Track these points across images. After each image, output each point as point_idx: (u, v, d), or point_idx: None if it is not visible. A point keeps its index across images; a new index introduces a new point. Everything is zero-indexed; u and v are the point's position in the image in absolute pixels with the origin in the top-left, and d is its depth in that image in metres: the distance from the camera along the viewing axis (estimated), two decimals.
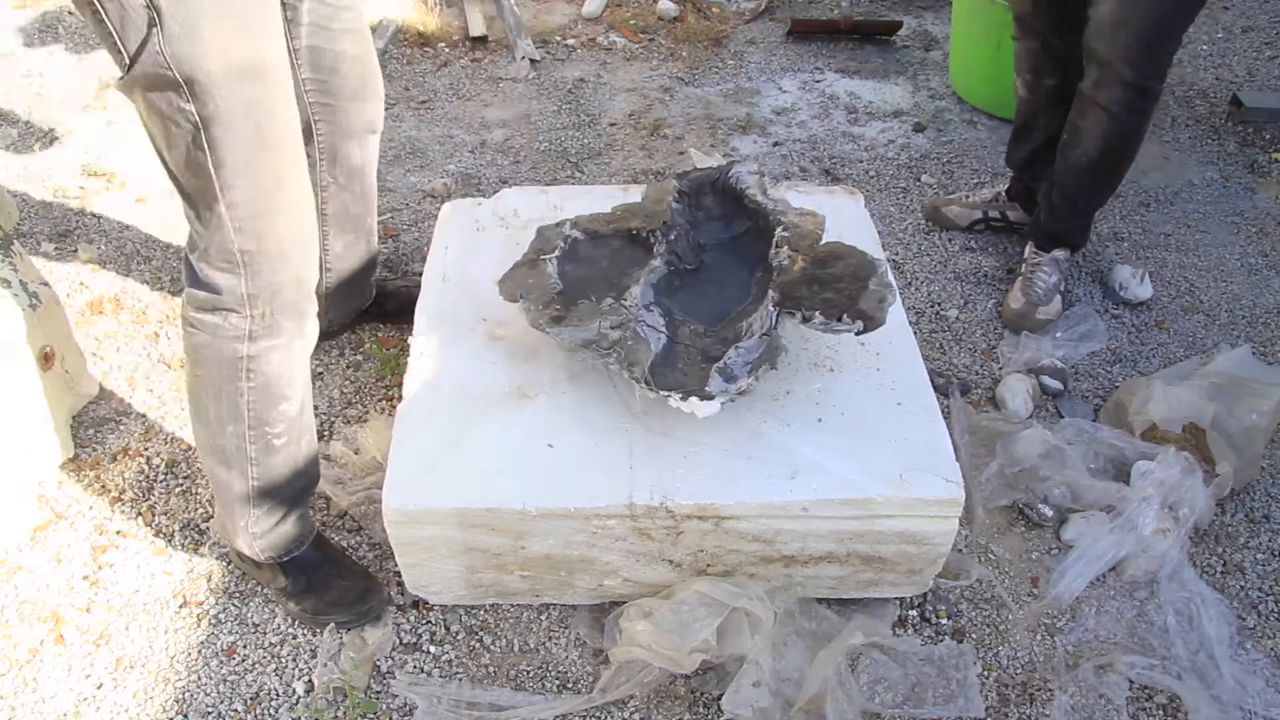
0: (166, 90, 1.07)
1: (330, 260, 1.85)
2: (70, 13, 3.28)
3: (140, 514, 1.74)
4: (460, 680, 1.51)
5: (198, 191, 1.16)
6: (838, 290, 1.48)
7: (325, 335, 2.03)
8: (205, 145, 1.11)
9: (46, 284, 1.79)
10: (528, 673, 1.53)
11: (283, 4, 1.36)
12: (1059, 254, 2.15)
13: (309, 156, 1.65)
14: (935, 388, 1.60)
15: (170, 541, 1.70)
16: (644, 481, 1.41)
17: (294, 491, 1.47)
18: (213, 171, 1.13)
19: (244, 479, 1.41)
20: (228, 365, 1.30)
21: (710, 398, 1.37)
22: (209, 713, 1.48)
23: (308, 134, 1.62)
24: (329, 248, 1.83)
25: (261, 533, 1.48)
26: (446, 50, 3.17)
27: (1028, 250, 2.20)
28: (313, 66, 1.52)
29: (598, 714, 1.47)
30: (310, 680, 1.51)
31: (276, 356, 1.31)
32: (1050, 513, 1.74)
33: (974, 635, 1.60)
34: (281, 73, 1.15)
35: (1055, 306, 2.12)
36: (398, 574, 1.58)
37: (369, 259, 1.94)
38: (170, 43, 1.03)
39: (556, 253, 1.59)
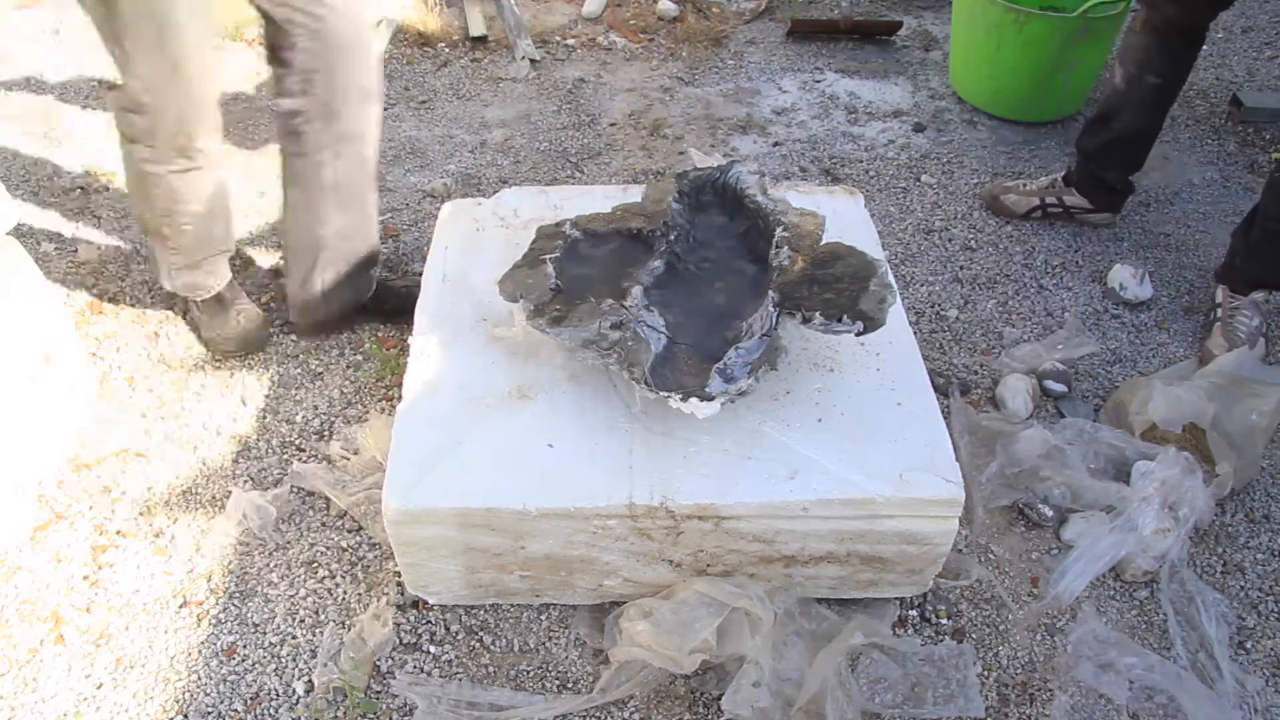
0: None
1: (327, 237, 1.87)
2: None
3: (140, 514, 1.74)
4: (460, 680, 1.51)
5: (113, 56, 1.58)
6: (838, 291, 1.48)
7: (320, 326, 2.04)
8: (113, 34, 1.54)
9: (47, 284, 1.79)
10: (528, 673, 1.53)
11: None
12: (1257, 295, 2.10)
13: (303, 112, 1.72)
14: (935, 388, 1.60)
15: (170, 541, 1.70)
16: (644, 481, 1.41)
17: (204, 255, 1.91)
18: (118, 49, 1.56)
19: (163, 244, 1.87)
20: (140, 177, 1.76)
21: (710, 398, 1.37)
22: (209, 713, 1.48)
23: (306, 84, 1.70)
24: (326, 220, 1.85)
25: (177, 275, 1.93)
26: (446, 50, 3.17)
27: (1220, 294, 2.14)
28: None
29: (598, 714, 1.47)
30: (310, 680, 1.51)
31: (175, 178, 1.74)
32: (1050, 513, 1.74)
33: (974, 635, 1.60)
34: None
35: (1259, 350, 2.05)
36: (398, 574, 1.59)
37: (369, 248, 1.96)
38: None
39: (556, 253, 1.59)
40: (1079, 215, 2.44)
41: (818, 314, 1.42)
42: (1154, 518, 1.66)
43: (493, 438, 1.47)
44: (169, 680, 1.52)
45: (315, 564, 1.67)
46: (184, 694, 1.50)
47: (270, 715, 1.48)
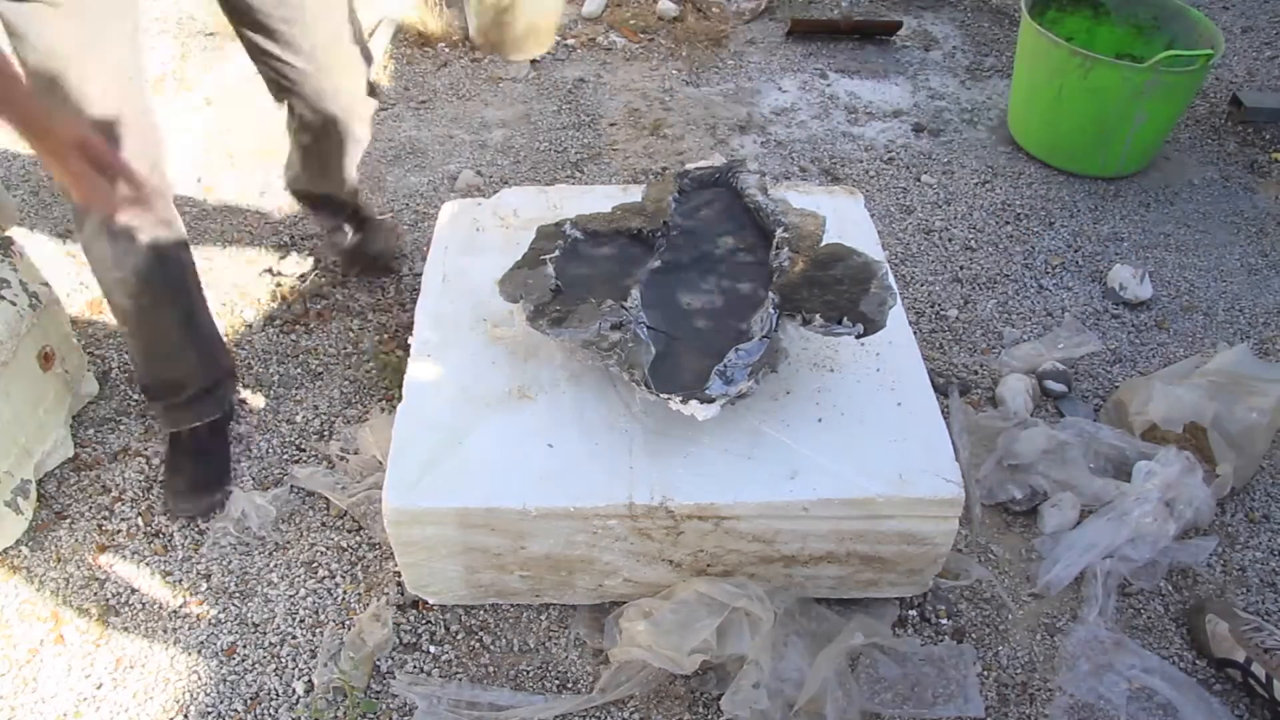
0: None
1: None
2: None
3: (140, 514, 1.74)
4: (460, 680, 1.51)
5: None
6: (838, 293, 1.48)
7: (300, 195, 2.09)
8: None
9: (46, 284, 1.79)
10: (528, 673, 1.53)
11: None
12: None
13: None
14: (935, 388, 1.60)
15: (170, 541, 1.70)
16: (644, 481, 1.41)
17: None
18: None
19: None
20: None
21: (710, 400, 1.37)
22: (209, 713, 1.48)
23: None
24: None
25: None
26: (446, 50, 3.17)
27: None
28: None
29: (598, 714, 1.47)
30: (310, 680, 1.51)
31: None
32: (1045, 507, 1.74)
33: (974, 635, 1.60)
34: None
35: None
36: (397, 574, 1.59)
37: (339, 140, 1.88)
38: None
39: (556, 253, 1.59)
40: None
41: (818, 316, 1.42)
42: (1150, 510, 1.65)
43: (493, 438, 1.47)
44: (169, 680, 1.52)
45: (315, 564, 1.67)
46: (184, 694, 1.50)
47: (270, 715, 1.48)
